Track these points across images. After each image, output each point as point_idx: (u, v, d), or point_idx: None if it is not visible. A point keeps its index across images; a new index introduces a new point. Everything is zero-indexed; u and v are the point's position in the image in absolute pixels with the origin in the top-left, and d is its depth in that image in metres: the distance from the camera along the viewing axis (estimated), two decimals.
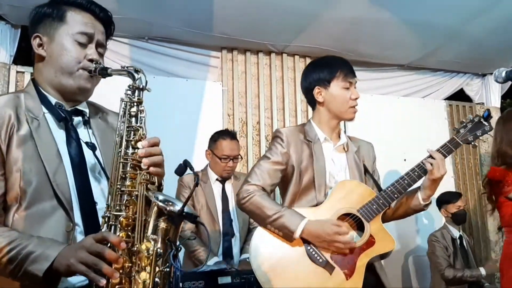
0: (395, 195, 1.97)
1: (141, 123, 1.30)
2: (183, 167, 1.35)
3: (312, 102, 2.20)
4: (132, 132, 1.29)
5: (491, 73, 4.75)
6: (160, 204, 1.22)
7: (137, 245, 1.20)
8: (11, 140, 1.27)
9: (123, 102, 1.31)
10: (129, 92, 1.32)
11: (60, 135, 1.36)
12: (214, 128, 3.59)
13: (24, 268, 1.16)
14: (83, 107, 1.46)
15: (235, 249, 2.98)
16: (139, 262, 1.18)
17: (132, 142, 1.28)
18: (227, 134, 3.18)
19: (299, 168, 2.06)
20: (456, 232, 3.92)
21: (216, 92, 3.89)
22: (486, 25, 3.63)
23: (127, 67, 1.33)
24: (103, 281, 1.11)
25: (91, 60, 1.37)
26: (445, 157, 2.02)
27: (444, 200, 3.95)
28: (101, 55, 1.44)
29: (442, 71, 4.68)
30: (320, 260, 1.89)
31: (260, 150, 3.90)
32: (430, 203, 2.07)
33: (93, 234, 1.18)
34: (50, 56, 1.38)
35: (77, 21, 1.39)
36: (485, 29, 3.69)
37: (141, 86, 1.31)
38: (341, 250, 1.88)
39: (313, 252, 1.91)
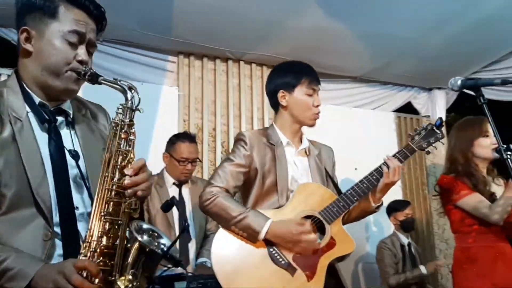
0: (355, 198, 2.02)
1: (130, 147, 1.28)
2: (170, 204, 1.34)
3: (275, 105, 2.23)
4: (121, 157, 1.26)
5: (438, 88, 5.01)
6: (143, 243, 1.21)
7: (115, 276, 1.18)
8: None
9: (114, 123, 1.28)
10: (120, 111, 1.28)
11: (43, 138, 1.31)
12: (169, 133, 3.54)
13: (1, 284, 1.13)
14: (67, 107, 1.40)
15: (191, 254, 2.93)
16: None
17: (119, 167, 1.25)
18: (186, 136, 3.15)
19: (262, 171, 2.07)
20: (405, 239, 4.06)
21: (172, 97, 3.86)
22: (434, 41, 3.81)
23: (120, 81, 1.30)
24: None
25: (80, 62, 1.31)
26: (401, 162, 2.10)
27: (393, 208, 4.09)
28: (91, 54, 1.38)
29: (391, 84, 4.87)
30: (282, 262, 1.90)
31: (216, 156, 3.88)
32: (381, 205, 2.13)
33: (74, 260, 1.15)
34: (37, 52, 1.31)
35: (69, 19, 1.32)
36: (433, 45, 3.87)
37: (133, 108, 1.28)
38: (305, 251, 1.90)
39: (276, 254, 1.91)
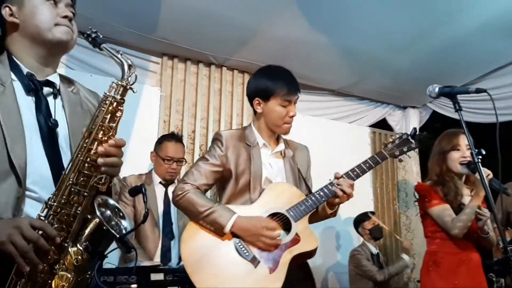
0: (323, 199, 2.07)
1: (113, 123, 1.30)
2: (137, 190, 1.46)
3: (253, 108, 2.29)
4: (102, 131, 1.28)
5: (411, 107, 5.18)
6: (102, 220, 1.24)
7: (69, 243, 1.21)
8: None
9: (106, 97, 1.30)
10: (114, 86, 1.31)
11: (26, 103, 1.34)
12: (149, 133, 3.57)
13: None
14: (54, 78, 1.44)
15: (174, 252, 2.96)
16: (65, 261, 1.20)
17: (98, 141, 1.27)
18: (172, 136, 3.22)
19: (235, 171, 2.12)
20: (374, 249, 4.16)
21: (153, 97, 3.88)
22: (407, 59, 3.97)
23: (121, 54, 1.34)
24: (27, 268, 1.12)
25: (65, 17, 1.39)
26: (368, 170, 2.16)
27: (360, 220, 4.23)
28: (73, 15, 1.45)
29: (368, 100, 5.02)
30: (247, 254, 1.94)
31: (194, 158, 3.90)
32: (337, 210, 2.18)
33: (30, 218, 1.18)
34: (24, 21, 1.38)
35: None
36: (406, 63, 4.04)
37: (128, 87, 1.31)
38: (267, 246, 1.95)
39: (241, 247, 1.97)
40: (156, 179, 3.13)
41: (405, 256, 3.98)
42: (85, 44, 3.67)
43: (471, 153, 1.86)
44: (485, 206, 2.44)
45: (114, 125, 1.30)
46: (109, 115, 1.29)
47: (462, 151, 2.55)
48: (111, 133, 1.29)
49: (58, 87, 1.44)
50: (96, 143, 1.27)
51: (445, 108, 4.77)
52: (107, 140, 1.27)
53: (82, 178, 1.24)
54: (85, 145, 1.26)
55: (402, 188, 5.11)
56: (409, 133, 2.30)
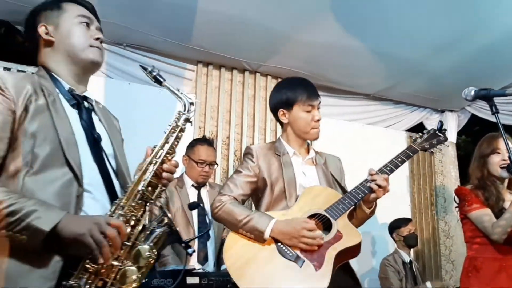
0: (359, 195, 2.08)
1: (176, 146, 1.51)
2: (196, 205, 1.91)
3: (279, 121, 2.35)
4: (168, 150, 1.48)
5: (449, 110, 5.06)
6: (171, 222, 1.44)
7: (136, 242, 1.35)
8: (28, 108, 1.36)
9: (175, 124, 1.52)
10: (178, 117, 1.53)
11: (73, 115, 1.47)
12: (185, 139, 3.60)
13: (27, 222, 1.21)
14: (88, 94, 1.58)
15: (210, 252, 3.01)
16: (130, 257, 1.33)
17: (163, 159, 1.46)
18: (205, 140, 3.29)
19: (270, 180, 2.18)
20: (406, 257, 4.09)
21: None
22: (446, 62, 3.88)
23: (181, 93, 1.56)
24: (101, 261, 1.24)
25: (97, 39, 1.53)
26: (401, 164, 2.18)
27: (396, 225, 4.16)
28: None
29: (404, 104, 4.94)
30: (290, 255, 1.96)
31: (228, 164, 3.95)
32: (375, 207, 2.17)
33: (107, 217, 1.31)
34: (59, 40, 1.51)
35: (74, 9, 1.56)
36: (445, 66, 3.94)
37: (190, 119, 1.54)
38: (309, 246, 1.95)
39: (284, 248, 1.98)
40: (188, 182, 3.19)
41: (428, 283, 3.86)
42: (123, 53, 3.83)
43: (509, 156, 1.82)
44: None
45: (175, 148, 1.50)
46: (175, 140, 1.51)
47: (503, 154, 2.52)
48: (173, 154, 1.49)
49: (93, 102, 1.59)
50: (161, 160, 1.44)
51: (484, 111, 4.64)
52: (170, 159, 1.48)
53: (149, 188, 1.42)
54: (156, 160, 1.44)
55: (440, 193, 4.99)
56: (435, 127, 2.34)
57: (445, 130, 2.35)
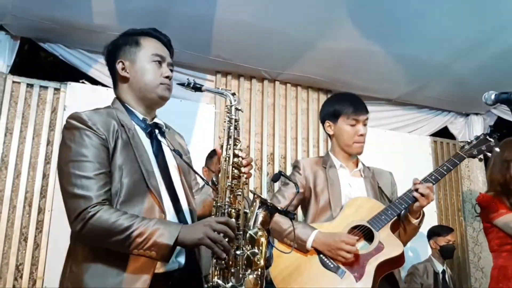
0: (402, 206, 2.11)
1: (238, 135, 1.65)
2: (278, 175, 1.90)
3: (327, 132, 2.43)
4: (234, 142, 1.63)
5: (475, 113, 4.94)
6: (264, 199, 1.56)
7: (245, 229, 1.52)
8: (117, 143, 1.54)
9: (228, 117, 1.66)
10: (228, 110, 1.68)
11: (148, 144, 1.65)
12: (206, 148, 3.62)
13: (154, 240, 1.40)
14: (159, 121, 1.75)
15: None
16: (247, 243, 1.50)
17: (235, 151, 1.62)
18: None
19: (315, 191, 2.26)
20: (439, 266, 3.96)
21: (208, 114, 3.96)
22: (470, 65, 3.79)
23: (221, 88, 1.76)
24: (224, 255, 1.41)
25: (167, 77, 1.69)
26: (447, 173, 2.18)
27: (435, 232, 4.03)
28: (171, 71, 1.74)
29: (427, 108, 4.84)
30: (332, 266, 2.04)
31: None
32: (423, 216, 2.17)
33: (215, 217, 1.50)
34: (134, 76, 1.68)
35: (150, 46, 1.71)
36: (470, 69, 3.85)
37: (239, 107, 1.68)
38: (347, 259, 2.00)
39: (325, 259, 2.07)
40: None
41: None
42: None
43: None
44: None
45: (238, 137, 1.65)
46: (235, 130, 1.65)
47: None
48: (239, 143, 1.64)
49: (163, 128, 1.74)
50: (232, 152, 1.61)
51: (510, 113, 4.50)
52: (240, 148, 1.63)
53: (233, 181, 1.57)
54: (228, 155, 1.60)
55: (468, 198, 4.86)
56: (485, 132, 2.28)
57: (498, 134, 2.30)
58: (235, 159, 1.60)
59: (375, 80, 4.16)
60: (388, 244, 2.04)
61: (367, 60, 3.76)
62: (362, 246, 2.07)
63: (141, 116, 1.67)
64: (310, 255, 2.09)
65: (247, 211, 1.55)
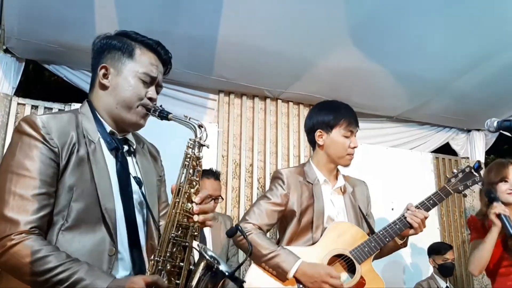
0: (387, 239, 2.05)
1: (197, 177, 1.40)
2: (234, 230, 1.62)
3: (312, 142, 2.30)
4: (189, 185, 1.38)
5: (476, 129, 4.95)
6: (210, 261, 1.33)
7: None
8: (70, 159, 1.33)
9: (186, 155, 1.40)
10: (191, 145, 1.41)
11: (111, 162, 1.43)
12: (209, 167, 3.63)
13: None
14: (130, 138, 1.55)
15: None
16: None
17: (188, 195, 1.37)
18: (211, 173, 3.18)
19: (299, 211, 2.13)
20: (443, 283, 3.94)
21: (211, 133, 3.96)
22: (471, 81, 3.80)
23: (189, 119, 1.44)
24: None
25: (150, 99, 1.48)
26: (432, 207, 2.14)
27: (434, 250, 4.01)
28: (158, 93, 1.55)
29: (429, 125, 4.85)
30: None
31: (252, 192, 3.94)
32: (407, 240, 2.15)
33: (144, 276, 1.26)
34: (114, 87, 1.46)
35: (144, 62, 1.48)
36: (471, 85, 3.86)
37: (202, 143, 1.41)
38: None
39: None
40: None
41: None
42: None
43: None
44: None
45: (197, 179, 1.39)
46: (192, 170, 1.39)
47: (510, 183, 2.51)
48: (196, 186, 1.39)
49: (134, 146, 1.54)
50: (186, 196, 1.37)
51: None
52: (195, 192, 1.38)
53: (180, 230, 1.34)
54: (177, 200, 1.36)
55: (470, 215, 4.85)
56: (471, 165, 2.24)
57: (482, 169, 2.30)
58: (188, 205, 1.36)
59: (376, 98, 4.19)
60: (370, 280, 1.99)
61: (368, 78, 3.78)
62: (344, 280, 2.01)
63: (108, 128, 1.46)
64: (288, 284, 1.99)
65: (194, 269, 1.35)
